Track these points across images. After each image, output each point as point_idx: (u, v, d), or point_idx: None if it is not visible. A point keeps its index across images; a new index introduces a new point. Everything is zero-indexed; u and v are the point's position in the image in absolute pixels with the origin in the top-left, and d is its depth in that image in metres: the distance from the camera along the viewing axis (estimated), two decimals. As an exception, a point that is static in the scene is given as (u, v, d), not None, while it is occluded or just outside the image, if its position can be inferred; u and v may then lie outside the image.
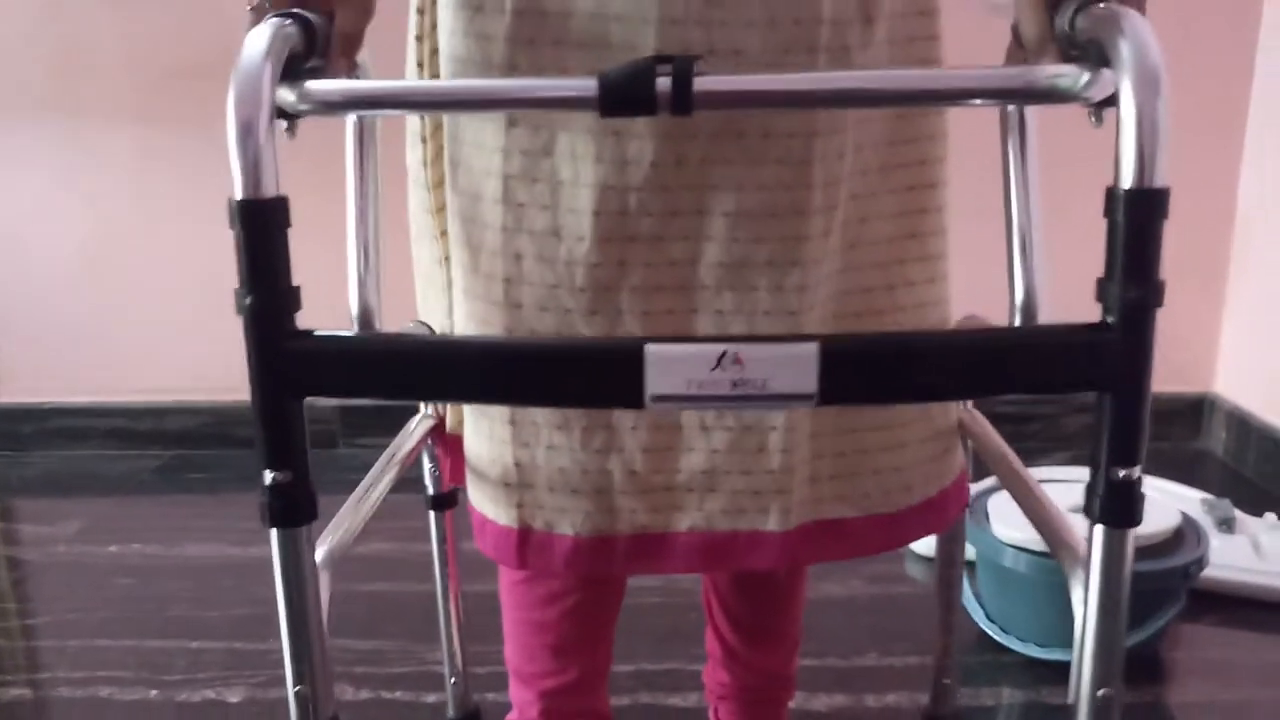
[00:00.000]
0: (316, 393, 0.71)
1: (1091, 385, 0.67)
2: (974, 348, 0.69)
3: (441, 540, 1.23)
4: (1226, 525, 1.87)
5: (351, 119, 0.95)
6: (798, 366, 0.66)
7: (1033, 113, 0.91)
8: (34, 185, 2.42)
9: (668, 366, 0.66)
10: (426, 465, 1.17)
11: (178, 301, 2.46)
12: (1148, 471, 1.95)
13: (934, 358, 0.68)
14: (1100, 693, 0.71)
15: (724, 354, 0.65)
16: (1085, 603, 0.71)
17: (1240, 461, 2.34)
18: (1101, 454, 0.67)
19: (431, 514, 1.22)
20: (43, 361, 2.53)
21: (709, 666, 1.30)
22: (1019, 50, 0.82)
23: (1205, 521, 1.81)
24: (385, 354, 0.73)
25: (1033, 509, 0.85)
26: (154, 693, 1.58)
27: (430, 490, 1.19)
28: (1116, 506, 0.68)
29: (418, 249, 1.06)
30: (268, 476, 0.71)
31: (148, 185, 2.40)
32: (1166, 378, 2.35)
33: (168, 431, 2.54)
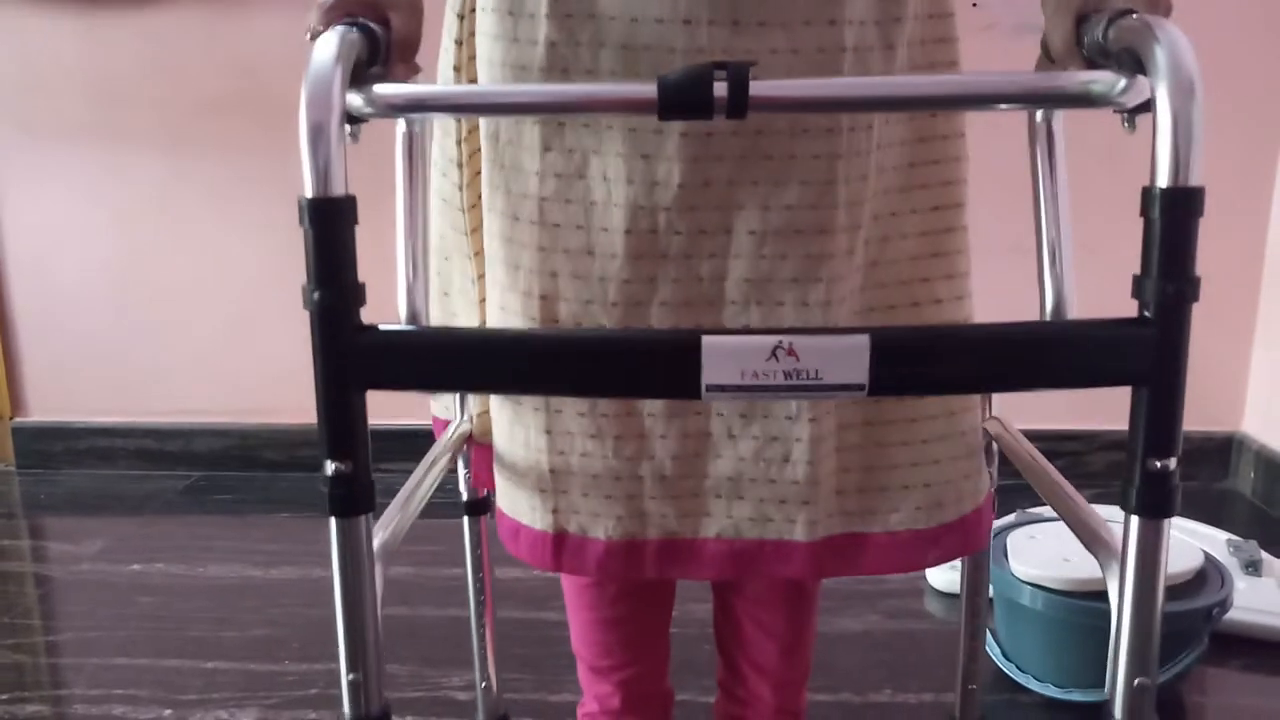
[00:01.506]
0: (379, 385, 0.73)
1: (1130, 378, 0.69)
2: (1017, 340, 0.71)
3: (475, 546, 1.25)
4: (1253, 567, 1.84)
5: (401, 127, 0.97)
6: (849, 358, 0.68)
7: (1060, 121, 0.93)
8: (65, 207, 2.46)
9: (724, 357, 0.68)
10: (461, 472, 1.18)
11: (206, 324, 2.50)
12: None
13: (979, 349, 0.71)
14: (1136, 682, 0.72)
15: (778, 345, 0.67)
16: (1120, 594, 0.72)
17: (1269, 502, 2.33)
18: (1138, 445, 0.69)
19: (465, 520, 1.24)
20: (72, 381, 2.56)
21: (719, 698, 1.31)
22: (1047, 62, 0.85)
23: (1231, 563, 1.79)
24: (447, 347, 0.75)
25: (1064, 507, 0.87)
26: (168, 712, 1.59)
27: (465, 496, 1.21)
28: (1152, 497, 0.70)
29: (445, 265, 1.09)
30: (329, 467, 0.72)
31: (176, 209, 2.45)
32: (1194, 417, 2.34)
33: (195, 453, 2.56)
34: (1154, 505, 0.70)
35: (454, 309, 1.11)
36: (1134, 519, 0.70)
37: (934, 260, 0.97)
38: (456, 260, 1.07)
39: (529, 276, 0.93)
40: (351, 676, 0.77)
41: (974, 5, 2.16)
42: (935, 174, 0.96)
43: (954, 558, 1.06)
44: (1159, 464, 0.69)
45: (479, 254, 1.03)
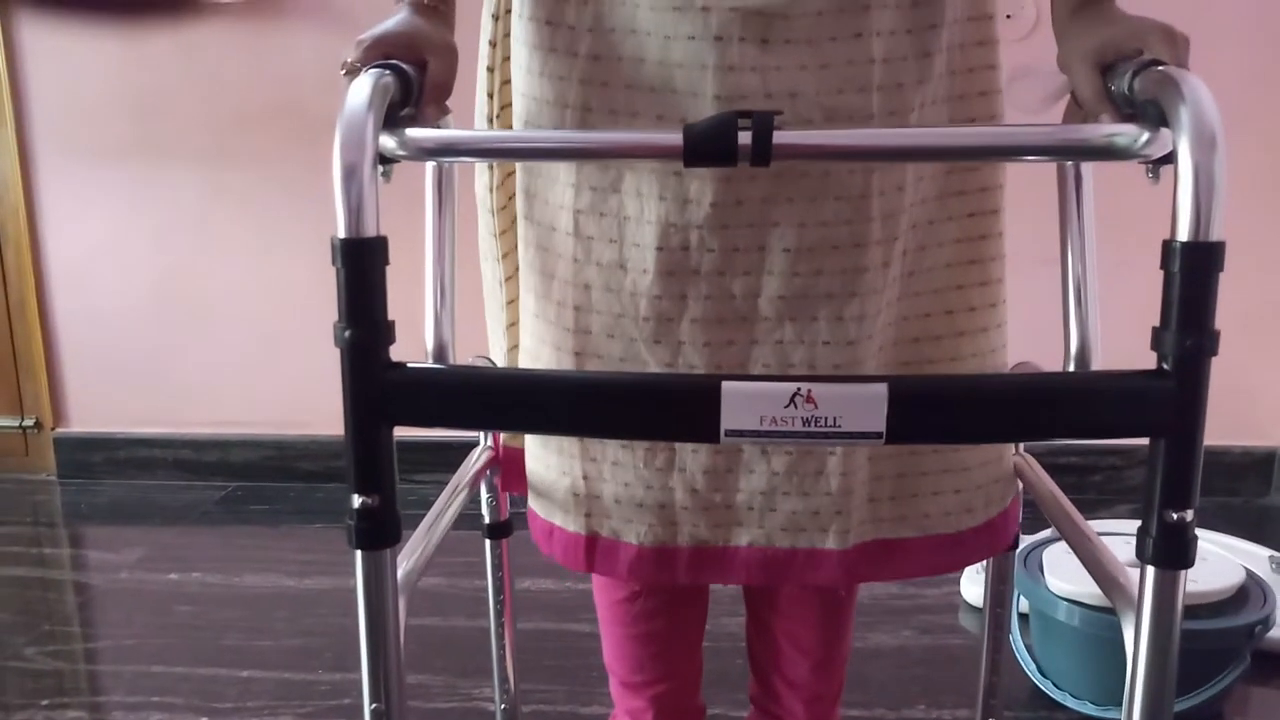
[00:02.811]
0: (408, 422, 0.74)
1: (1147, 430, 0.69)
2: (1035, 392, 0.72)
3: (497, 568, 1.27)
4: (1297, 585, 1.80)
5: (431, 164, 0.99)
6: (867, 406, 0.69)
7: (1089, 167, 0.93)
8: (106, 222, 2.50)
9: (743, 403, 0.70)
10: (484, 495, 1.20)
11: (244, 337, 2.52)
12: (1215, 527, 1.90)
13: (996, 401, 0.71)
14: (1151, 732, 0.72)
15: (797, 392, 0.68)
16: (1136, 642, 0.72)
17: (1313, 518, 2.29)
18: (1155, 497, 0.69)
19: (488, 542, 1.25)
20: (113, 393, 2.59)
21: (752, 714, 1.32)
22: (1078, 109, 0.85)
23: (1273, 580, 1.75)
24: (474, 387, 0.77)
25: (1084, 550, 0.87)
26: (204, 719, 1.61)
27: (487, 519, 1.23)
28: (1168, 548, 0.70)
29: (484, 266, 1.11)
30: (356, 500, 0.74)
31: (215, 223, 2.47)
32: (1236, 431, 2.30)
33: (232, 463, 2.58)
34: (1171, 557, 0.70)
35: (492, 318, 1.13)
36: (1150, 569, 0.71)
37: (969, 267, 0.97)
38: (489, 262, 1.09)
39: (563, 287, 0.95)
40: (374, 706, 0.78)
41: (1008, 17, 2.14)
42: (972, 180, 0.96)
43: (980, 559, 1.07)
44: (1175, 515, 0.69)
45: (507, 256, 1.05)
